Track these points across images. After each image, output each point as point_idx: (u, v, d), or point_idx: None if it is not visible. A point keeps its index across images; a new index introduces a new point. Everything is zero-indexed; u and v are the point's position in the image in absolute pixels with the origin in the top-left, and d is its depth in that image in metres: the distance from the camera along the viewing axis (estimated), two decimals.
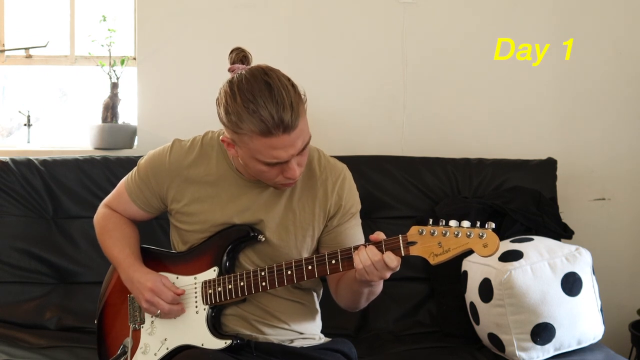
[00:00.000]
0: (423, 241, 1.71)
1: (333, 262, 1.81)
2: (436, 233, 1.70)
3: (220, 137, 1.90)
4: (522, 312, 2.18)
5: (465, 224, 1.68)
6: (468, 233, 1.67)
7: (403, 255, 1.73)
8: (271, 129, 1.74)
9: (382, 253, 1.74)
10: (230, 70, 1.88)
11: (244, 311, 1.99)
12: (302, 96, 1.81)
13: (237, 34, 2.94)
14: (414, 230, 1.73)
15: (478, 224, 1.68)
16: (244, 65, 1.88)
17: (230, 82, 1.82)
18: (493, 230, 1.66)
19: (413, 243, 1.73)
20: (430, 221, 1.72)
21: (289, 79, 1.81)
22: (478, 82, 2.99)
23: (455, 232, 1.68)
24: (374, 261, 1.74)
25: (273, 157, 1.79)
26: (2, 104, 3.20)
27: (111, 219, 2.12)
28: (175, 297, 1.95)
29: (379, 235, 1.77)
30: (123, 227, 2.10)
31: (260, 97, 1.74)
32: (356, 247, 1.79)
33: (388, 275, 1.77)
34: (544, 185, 2.69)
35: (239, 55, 1.91)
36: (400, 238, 1.74)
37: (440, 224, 1.70)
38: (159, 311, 1.95)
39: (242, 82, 1.79)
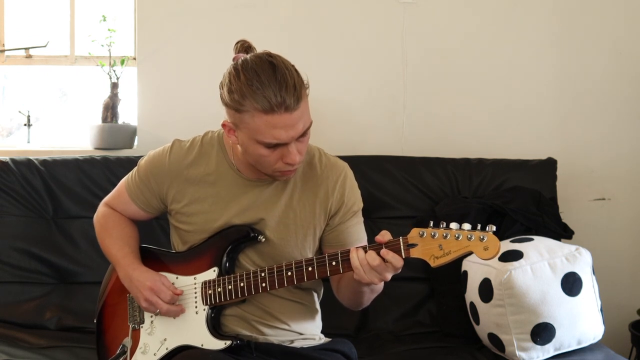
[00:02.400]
0: (424, 243, 1.71)
1: (333, 263, 1.81)
2: (437, 235, 1.69)
3: (222, 122, 1.89)
4: (522, 312, 2.18)
5: (466, 226, 1.68)
6: (469, 236, 1.66)
7: (404, 257, 1.73)
8: (274, 106, 1.75)
9: (381, 256, 1.74)
10: (234, 59, 1.88)
11: (243, 312, 1.99)
12: (305, 81, 1.82)
13: (237, 34, 2.88)
14: (414, 232, 1.72)
15: (479, 226, 1.67)
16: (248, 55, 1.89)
17: (235, 64, 1.84)
18: (494, 233, 1.66)
19: (414, 245, 1.72)
20: (431, 223, 1.71)
21: (292, 64, 1.83)
22: (478, 82, 2.99)
23: (456, 235, 1.68)
24: (373, 265, 1.74)
25: (274, 137, 1.79)
26: (2, 104, 3.20)
27: (111, 218, 2.11)
28: (173, 297, 1.95)
29: (384, 236, 1.76)
30: (123, 226, 2.10)
31: (264, 76, 1.76)
32: (357, 249, 1.78)
33: (389, 276, 1.76)
34: (544, 185, 2.69)
35: (244, 46, 1.93)
36: (401, 240, 1.73)
37: (441, 226, 1.70)
38: (158, 310, 1.96)
39: (246, 62, 1.81)
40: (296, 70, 1.82)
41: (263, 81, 1.75)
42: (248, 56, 1.83)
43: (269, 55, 1.82)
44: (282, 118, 1.76)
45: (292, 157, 1.83)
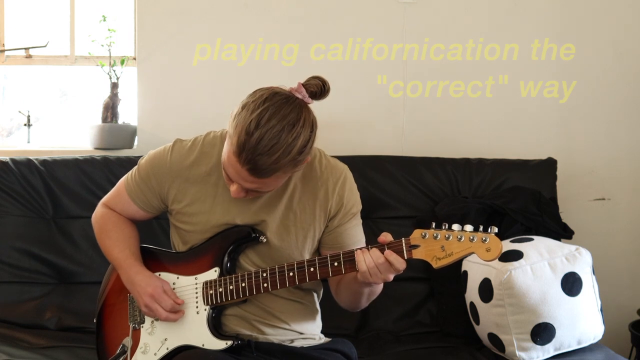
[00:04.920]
0: (426, 245, 1.72)
1: (335, 264, 1.81)
2: (439, 237, 1.70)
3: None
4: (522, 312, 2.18)
5: (468, 227, 1.68)
6: (471, 237, 1.67)
7: (406, 258, 1.74)
8: (243, 156, 1.73)
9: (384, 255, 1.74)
10: (297, 87, 1.81)
11: (244, 311, 1.99)
12: (299, 163, 1.80)
13: (237, 34, 2.93)
14: (416, 233, 1.73)
15: (481, 228, 1.68)
16: (308, 99, 1.82)
17: (273, 94, 1.77)
18: (496, 234, 1.67)
19: (416, 246, 1.73)
20: (433, 225, 1.72)
21: (306, 143, 1.77)
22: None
23: (458, 236, 1.68)
24: (377, 264, 1.74)
25: (226, 168, 1.81)
26: (2, 104, 3.20)
27: (110, 219, 2.11)
28: (174, 306, 1.95)
29: (387, 237, 1.77)
30: (122, 227, 2.09)
31: (265, 129, 1.72)
32: (359, 250, 1.79)
33: (391, 277, 1.77)
34: (544, 185, 2.69)
35: (317, 86, 1.83)
36: (403, 241, 1.74)
37: (443, 227, 1.71)
38: (157, 317, 1.96)
39: (274, 106, 1.74)
40: (300, 152, 1.76)
41: (258, 133, 1.71)
42: (291, 99, 1.76)
43: (294, 123, 1.74)
44: (242, 169, 1.75)
45: (232, 191, 1.84)
